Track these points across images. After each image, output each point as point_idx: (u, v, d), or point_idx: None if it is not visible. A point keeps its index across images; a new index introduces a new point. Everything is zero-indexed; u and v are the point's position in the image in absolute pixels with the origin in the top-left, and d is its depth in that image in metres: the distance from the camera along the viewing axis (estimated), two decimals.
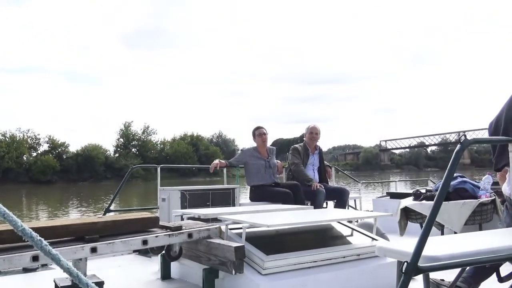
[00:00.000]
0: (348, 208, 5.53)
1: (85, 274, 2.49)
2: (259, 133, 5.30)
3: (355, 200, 6.28)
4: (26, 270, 3.38)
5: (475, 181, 3.96)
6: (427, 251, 1.47)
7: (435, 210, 1.39)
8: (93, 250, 2.30)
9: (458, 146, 1.44)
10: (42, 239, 1.11)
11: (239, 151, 5.63)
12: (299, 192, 4.82)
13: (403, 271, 1.33)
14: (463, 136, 1.44)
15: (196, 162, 59.80)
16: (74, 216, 16.16)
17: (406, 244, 1.60)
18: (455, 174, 4.00)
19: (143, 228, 2.62)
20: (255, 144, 5.39)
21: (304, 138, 5.50)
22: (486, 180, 3.82)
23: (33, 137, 57.62)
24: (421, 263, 1.38)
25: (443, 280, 2.40)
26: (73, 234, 2.39)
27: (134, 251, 4.03)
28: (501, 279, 1.96)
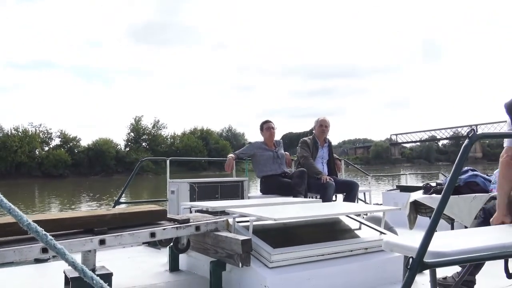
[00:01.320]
0: (357, 201, 5.51)
1: (94, 266, 2.51)
2: (267, 127, 5.31)
3: (364, 193, 6.25)
4: (37, 260, 3.43)
5: (487, 175, 3.91)
6: (434, 246, 1.46)
7: (442, 204, 1.37)
8: (102, 242, 2.31)
9: (467, 140, 1.42)
10: (47, 233, 1.12)
11: (248, 144, 5.64)
12: (303, 179, 4.79)
13: (408, 266, 1.32)
14: (471, 131, 1.42)
15: (206, 156, 60.04)
16: (85, 209, 16.35)
17: (413, 239, 1.59)
18: (466, 168, 3.96)
19: (151, 221, 2.63)
20: (262, 138, 5.40)
21: (314, 131, 5.48)
22: (497, 174, 3.76)
23: (45, 131, 58.38)
24: (427, 259, 1.37)
25: (445, 278, 2.35)
26: (82, 227, 2.41)
27: (144, 243, 4.07)
28: (509, 275, 1.93)
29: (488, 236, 1.87)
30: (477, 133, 1.40)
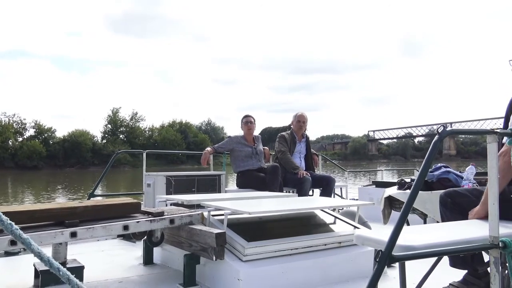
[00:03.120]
0: (334, 196, 5.56)
1: (65, 258, 2.47)
2: (245, 122, 5.31)
3: (341, 188, 6.32)
4: (8, 253, 3.36)
5: (459, 172, 3.99)
6: (404, 240, 1.48)
7: (411, 199, 1.39)
8: (73, 234, 2.27)
9: (436, 136, 1.45)
10: (13, 223, 1.09)
11: (227, 138, 5.63)
12: (277, 175, 4.81)
13: (377, 259, 1.34)
14: (441, 127, 1.45)
15: (184, 150, 59.66)
16: (60, 202, 16.04)
17: (383, 232, 1.61)
18: (439, 164, 4.04)
19: (125, 214, 2.60)
20: (242, 132, 5.40)
21: (292, 126, 5.50)
22: (469, 171, 3.84)
23: (19, 121, 56.99)
24: (396, 252, 1.39)
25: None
26: (53, 219, 2.36)
27: (119, 236, 4.02)
28: (476, 268, 1.98)
29: (460, 230, 1.91)
30: (447, 129, 1.43)
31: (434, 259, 2.00)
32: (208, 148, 5.22)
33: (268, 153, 5.54)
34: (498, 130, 1.56)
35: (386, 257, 1.33)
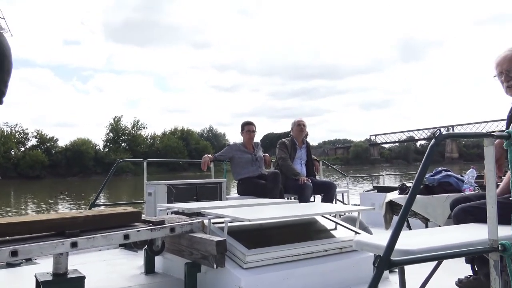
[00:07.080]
0: (335, 202, 5.55)
1: (66, 269, 2.47)
2: (247, 130, 5.32)
3: (342, 194, 6.31)
4: (9, 265, 3.36)
5: (460, 175, 3.98)
6: (403, 244, 1.48)
7: (409, 204, 1.39)
8: (74, 244, 2.27)
9: (433, 140, 1.45)
10: None
11: (227, 146, 5.65)
12: (277, 182, 4.81)
13: (376, 265, 1.33)
14: (437, 131, 1.45)
15: (186, 157, 59.63)
16: (62, 211, 16.03)
17: (383, 238, 1.61)
18: (439, 168, 4.03)
19: (126, 223, 2.59)
20: (242, 139, 5.41)
21: (291, 133, 5.50)
22: (470, 174, 3.84)
23: (21, 131, 57.16)
24: (395, 257, 1.39)
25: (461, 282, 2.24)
26: (53, 229, 2.36)
27: (120, 245, 4.02)
28: (476, 272, 1.97)
29: (460, 234, 1.90)
30: (443, 133, 1.43)
31: (435, 262, 1.99)
32: (208, 155, 5.25)
33: (268, 160, 5.55)
34: (495, 133, 1.56)
35: (384, 262, 1.33)
